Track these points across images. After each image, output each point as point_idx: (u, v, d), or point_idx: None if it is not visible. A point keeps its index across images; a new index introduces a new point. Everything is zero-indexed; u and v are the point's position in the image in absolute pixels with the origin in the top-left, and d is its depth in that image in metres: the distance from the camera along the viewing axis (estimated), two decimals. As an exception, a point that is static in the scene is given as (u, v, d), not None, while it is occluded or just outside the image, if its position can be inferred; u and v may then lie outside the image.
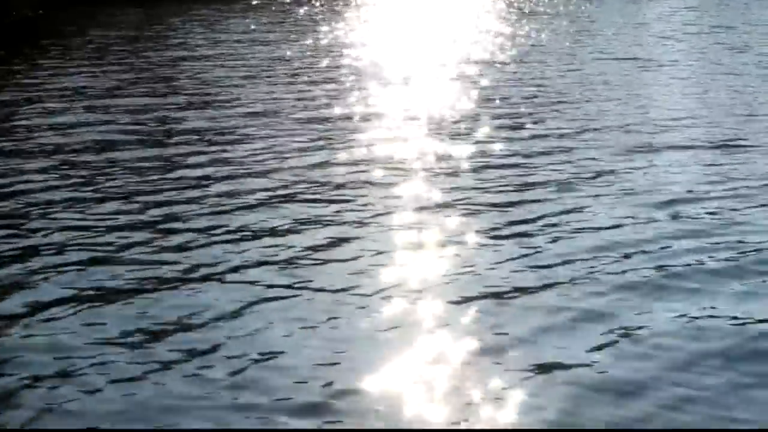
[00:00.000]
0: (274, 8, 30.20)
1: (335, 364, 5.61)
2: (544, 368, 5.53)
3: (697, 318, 6.27)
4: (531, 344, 5.88)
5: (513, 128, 12.51)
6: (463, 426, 4.94)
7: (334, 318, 6.26)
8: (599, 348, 5.80)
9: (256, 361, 5.64)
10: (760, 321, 6.22)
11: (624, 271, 7.09)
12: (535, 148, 11.28)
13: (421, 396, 5.22)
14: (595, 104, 14.31)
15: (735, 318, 6.28)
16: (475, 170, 10.27)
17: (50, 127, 12.40)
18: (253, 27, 25.05)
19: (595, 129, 12.44)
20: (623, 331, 6.05)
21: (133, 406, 5.10)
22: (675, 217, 8.50)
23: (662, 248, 7.60)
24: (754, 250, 7.56)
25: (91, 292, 6.71)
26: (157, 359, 5.64)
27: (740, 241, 7.80)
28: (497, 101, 14.59)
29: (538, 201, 9.06)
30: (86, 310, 6.39)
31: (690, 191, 9.35)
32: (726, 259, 7.35)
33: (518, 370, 5.51)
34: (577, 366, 5.56)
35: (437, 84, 16.27)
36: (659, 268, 7.14)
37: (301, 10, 29.85)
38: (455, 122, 12.87)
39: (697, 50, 21.11)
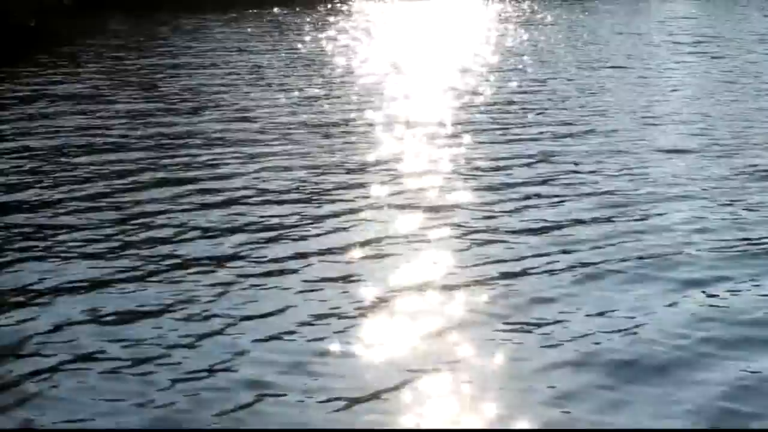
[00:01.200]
0: (266, 18, 30.28)
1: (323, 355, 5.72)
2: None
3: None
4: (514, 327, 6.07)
5: (501, 134, 12.60)
6: (459, 424, 4.98)
7: (325, 309, 6.41)
8: (584, 336, 5.95)
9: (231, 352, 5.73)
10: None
11: (597, 262, 7.37)
12: (522, 152, 11.40)
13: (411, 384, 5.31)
14: (585, 110, 14.39)
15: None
16: (461, 172, 10.38)
17: (38, 131, 12.45)
18: (243, 36, 25.10)
19: (584, 134, 12.53)
20: (611, 317, 6.30)
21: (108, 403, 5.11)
22: (653, 215, 8.78)
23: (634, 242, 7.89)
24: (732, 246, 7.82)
25: (71, 287, 6.77)
26: (141, 353, 5.71)
27: (719, 238, 8.07)
28: (486, 107, 14.64)
29: (527, 201, 9.25)
30: (67, 305, 6.45)
31: (675, 193, 9.53)
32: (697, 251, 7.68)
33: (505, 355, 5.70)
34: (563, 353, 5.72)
35: (426, 91, 16.33)
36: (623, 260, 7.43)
37: (293, 20, 29.92)
38: (440, 128, 12.92)
39: (690, 60, 21.14)
